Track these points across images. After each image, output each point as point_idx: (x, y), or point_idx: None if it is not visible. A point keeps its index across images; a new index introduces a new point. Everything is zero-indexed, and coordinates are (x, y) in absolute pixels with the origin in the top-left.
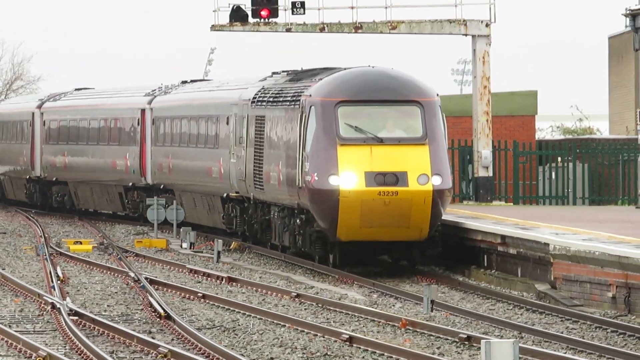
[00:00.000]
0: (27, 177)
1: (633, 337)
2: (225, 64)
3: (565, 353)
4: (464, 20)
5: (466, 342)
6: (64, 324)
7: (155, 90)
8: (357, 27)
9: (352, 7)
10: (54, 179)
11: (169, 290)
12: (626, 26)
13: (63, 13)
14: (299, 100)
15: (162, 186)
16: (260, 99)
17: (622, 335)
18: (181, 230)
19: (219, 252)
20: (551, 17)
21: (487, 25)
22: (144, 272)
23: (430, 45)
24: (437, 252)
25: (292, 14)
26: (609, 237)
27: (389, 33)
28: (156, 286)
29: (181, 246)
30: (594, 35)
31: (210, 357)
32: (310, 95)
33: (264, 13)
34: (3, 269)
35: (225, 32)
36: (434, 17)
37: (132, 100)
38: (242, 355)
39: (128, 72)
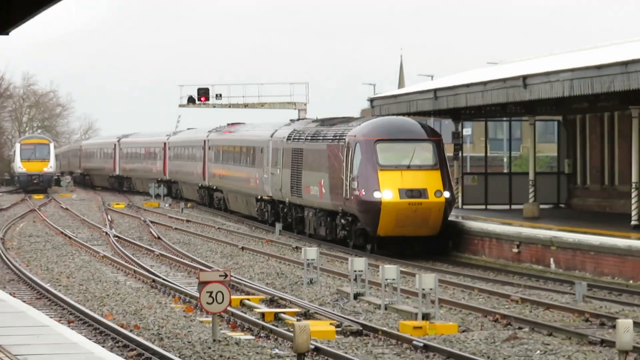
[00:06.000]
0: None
1: None
2: (187, 123)
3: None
4: None
5: None
6: (112, 243)
7: (212, 130)
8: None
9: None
10: (215, 187)
11: None
12: None
13: None
14: (344, 138)
15: (214, 187)
16: (297, 136)
17: None
18: None
19: None
20: None
21: None
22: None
23: None
24: (446, 243)
25: (216, 99)
26: None
27: None
28: None
29: None
30: None
31: None
32: (355, 136)
33: (202, 99)
34: (83, 215)
35: (184, 108)
36: None
37: (200, 136)
38: None
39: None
